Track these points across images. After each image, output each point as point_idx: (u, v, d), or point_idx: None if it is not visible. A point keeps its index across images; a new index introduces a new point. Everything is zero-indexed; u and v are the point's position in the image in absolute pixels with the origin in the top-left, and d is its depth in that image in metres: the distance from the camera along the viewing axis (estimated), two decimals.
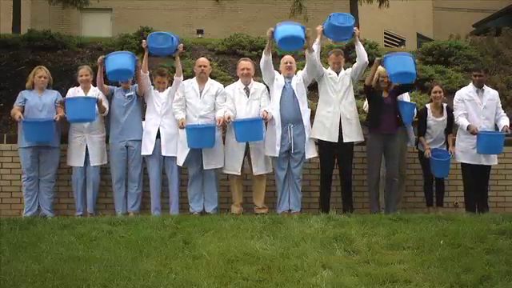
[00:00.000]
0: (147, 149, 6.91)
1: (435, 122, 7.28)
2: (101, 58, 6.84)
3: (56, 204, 7.13)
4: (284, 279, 4.33)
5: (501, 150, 7.03)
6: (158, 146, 6.89)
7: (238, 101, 6.93)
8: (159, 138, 6.91)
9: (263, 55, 6.87)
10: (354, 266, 4.60)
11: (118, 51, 7.49)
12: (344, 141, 6.80)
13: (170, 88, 7.07)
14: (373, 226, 5.58)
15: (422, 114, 7.33)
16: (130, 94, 7.05)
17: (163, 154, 6.90)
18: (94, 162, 6.96)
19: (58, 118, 6.76)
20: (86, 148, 6.93)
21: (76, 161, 6.97)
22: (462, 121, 7.07)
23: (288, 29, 6.63)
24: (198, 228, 5.55)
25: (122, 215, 6.69)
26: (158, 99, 7.00)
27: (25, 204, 6.89)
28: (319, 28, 6.90)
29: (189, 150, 6.77)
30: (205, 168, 6.85)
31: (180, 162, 6.87)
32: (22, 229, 5.60)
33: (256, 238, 5.23)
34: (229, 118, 6.74)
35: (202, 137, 6.65)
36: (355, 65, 6.97)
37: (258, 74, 7.36)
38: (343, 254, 4.91)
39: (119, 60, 6.79)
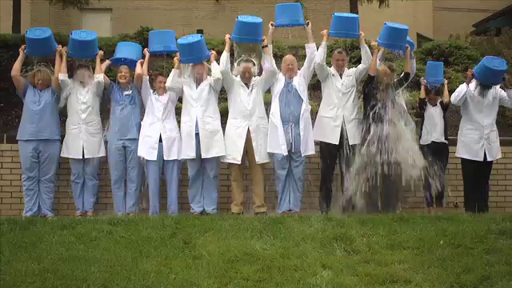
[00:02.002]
0: (150, 154, 6.90)
1: (432, 109, 7.38)
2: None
3: (56, 204, 7.13)
4: (284, 279, 4.33)
5: (499, 80, 7.09)
6: (159, 151, 6.91)
7: (239, 93, 6.96)
8: (160, 141, 6.92)
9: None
10: (354, 266, 4.60)
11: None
12: (346, 143, 6.81)
13: (169, 92, 7.10)
14: (373, 226, 5.58)
15: (420, 102, 7.51)
16: (127, 93, 7.07)
17: (165, 158, 6.92)
18: (89, 154, 6.96)
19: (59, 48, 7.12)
20: (82, 141, 6.95)
21: (72, 151, 6.97)
22: (460, 88, 7.16)
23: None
24: (198, 228, 5.55)
25: (121, 215, 6.69)
26: (159, 104, 7.01)
27: (25, 204, 6.90)
28: (325, 32, 6.93)
29: (194, 141, 6.79)
30: (203, 157, 6.83)
31: (191, 153, 6.83)
32: (21, 229, 5.60)
33: (256, 238, 5.23)
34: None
35: (191, 50, 6.90)
36: (360, 66, 6.99)
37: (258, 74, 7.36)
38: (343, 254, 4.91)
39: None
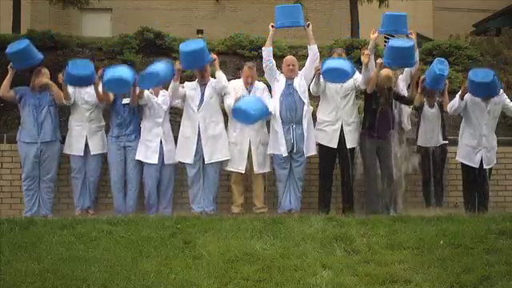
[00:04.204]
0: (151, 158, 6.91)
1: (430, 112, 7.34)
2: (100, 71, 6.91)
3: (56, 204, 7.13)
4: (284, 279, 4.32)
5: (497, 91, 6.80)
6: (160, 155, 6.95)
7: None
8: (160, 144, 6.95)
9: (264, 49, 6.92)
10: (354, 266, 4.60)
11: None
12: (345, 146, 6.82)
13: (165, 93, 7.10)
14: (373, 226, 5.58)
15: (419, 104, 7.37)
16: (126, 102, 7.01)
17: (166, 162, 6.97)
18: (94, 150, 6.99)
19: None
20: (86, 138, 6.97)
21: (75, 148, 6.98)
22: (454, 100, 7.04)
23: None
24: (198, 228, 5.55)
25: (121, 215, 6.69)
26: (159, 110, 6.99)
27: (25, 204, 6.90)
28: (318, 66, 6.80)
29: (195, 146, 6.81)
30: (207, 162, 6.84)
31: (188, 159, 6.88)
32: (21, 229, 5.59)
33: (256, 238, 5.22)
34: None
35: (194, 58, 6.74)
36: (359, 83, 6.90)
37: (260, 74, 7.36)
38: (343, 254, 4.91)
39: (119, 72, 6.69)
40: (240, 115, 6.59)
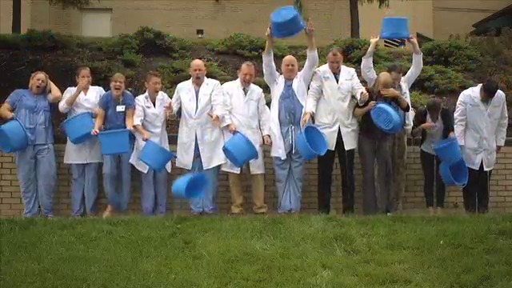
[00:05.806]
0: (143, 166, 6.89)
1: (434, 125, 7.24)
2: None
3: (56, 204, 7.12)
4: (284, 279, 4.33)
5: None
6: None
7: (236, 99, 6.95)
8: None
9: (263, 56, 6.88)
10: (354, 266, 4.60)
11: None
12: (344, 148, 6.82)
13: (163, 96, 7.10)
14: (373, 226, 5.58)
15: (421, 115, 7.23)
16: (121, 110, 6.96)
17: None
18: (93, 158, 6.96)
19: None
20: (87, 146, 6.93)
21: (75, 158, 6.97)
22: (458, 131, 6.99)
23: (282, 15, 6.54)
24: (198, 228, 5.55)
25: (121, 216, 6.68)
26: (156, 120, 6.97)
27: (25, 205, 6.90)
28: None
29: (193, 152, 6.83)
30: (205, 168, 6.85)
31: (188, 165, 6.89)
32: (21, 229, 5.59)
33: (256, 238, 5.23)
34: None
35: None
36: (356, 92, 6.84)
37: (259, 75, 7.36)
38: (343, 254, 4.91)
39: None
40: (228, 155, 6.69)
